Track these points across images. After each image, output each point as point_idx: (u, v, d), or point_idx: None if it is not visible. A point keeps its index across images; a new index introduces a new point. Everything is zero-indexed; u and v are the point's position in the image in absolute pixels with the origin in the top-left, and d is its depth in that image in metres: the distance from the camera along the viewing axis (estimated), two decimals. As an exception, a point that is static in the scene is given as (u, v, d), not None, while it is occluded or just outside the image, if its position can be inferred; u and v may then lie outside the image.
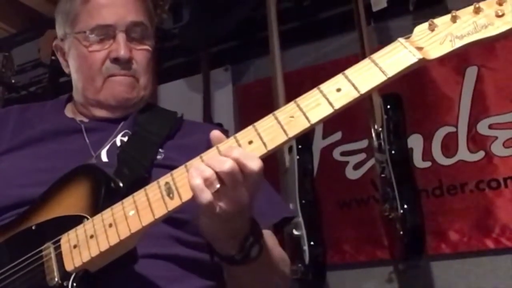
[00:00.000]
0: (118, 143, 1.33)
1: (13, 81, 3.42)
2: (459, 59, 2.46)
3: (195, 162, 1.00)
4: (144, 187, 1.05)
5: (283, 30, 2.67)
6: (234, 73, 3.07)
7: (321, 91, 0.99)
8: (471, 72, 2.44)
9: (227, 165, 0.95)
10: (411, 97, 2.43)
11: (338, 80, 0.99)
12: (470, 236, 2.35)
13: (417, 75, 2.51)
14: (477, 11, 0.95)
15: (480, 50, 2.41)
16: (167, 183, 1.01)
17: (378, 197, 2.40)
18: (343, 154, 2.66)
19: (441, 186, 2.43)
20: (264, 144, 0.98)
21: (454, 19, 0.96)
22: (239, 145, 0.99)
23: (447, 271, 2.38)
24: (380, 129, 2.30)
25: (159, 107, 1.54)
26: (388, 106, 2.29)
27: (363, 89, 0.97)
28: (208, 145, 1.24)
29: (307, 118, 0.98)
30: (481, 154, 2.37)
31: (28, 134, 1.37)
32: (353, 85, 0.97)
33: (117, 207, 1.05)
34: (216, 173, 0.96)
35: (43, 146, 1.34)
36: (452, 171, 2.41)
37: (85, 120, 1.42)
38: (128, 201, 1.04)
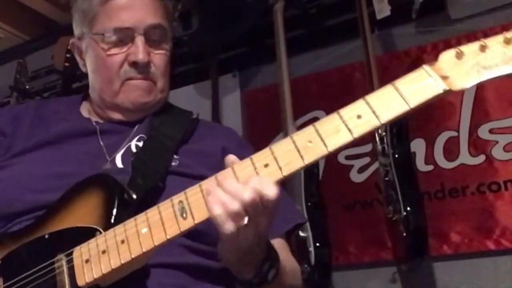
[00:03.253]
0: (133, 148, 1.30)
1: (27, 87, 3.47)
2: (460, 65, 2.51)
3: (211, 186, 0.98)
4: (158, 203, 1.03)
5: (290, 38, 2.69)
6: (242, 79, 3.09)
7: (341, 117, 0.94)
8: (472, 78, 2.48)
9: (247, 195, 0.93)
10: (414, 103, 2.48)
11: (358, 106, 0.94)
12: (471, 238, 2.36)
13: (420, 81, 2.58)
14: (508, 41, 0.90)
15: (481, 57, 2.47)
16: (180, 201, 0.99)
17: (382, 200, 2.40)
18: (348, 158, 2.68)
19: (443, 189, 2.45)
20: (280, 168, 0.95)
21: (482, 49, 0.91)
22: (255, 168, 0.96)
23: (449, 272, 2.39)
24: (384, 133, 2.31)
25: (175, 107, 1.49)
26: (392, 111, 2.34)
27: (384, 118, 0.92)
28: (223, 152, 1.25)
29: (325, 144, 0.94)
30: (482, 158, 2.38)
31: (43, 135, 1.34)
32: (374, 112, 0.93)
33: (129, 223, 1.03)
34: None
35: (58, 148, 1.31)
36: (454, 175, 2.42)
37: (100, 121, 1.39)
38: (141, 217, 1.03)
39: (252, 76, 3.09)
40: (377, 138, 2.36)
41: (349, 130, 0.93)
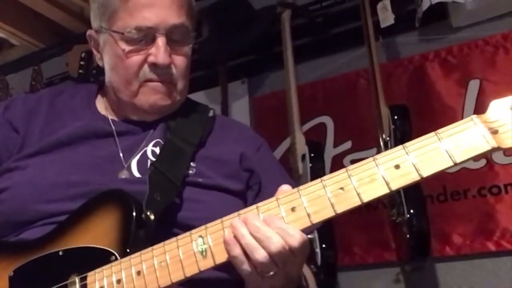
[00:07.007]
0: (149, 154, 1.27)
1: (42, 93, 3.57)
2: (462, 72, 2.53)
3: (236, 225, 0.94)
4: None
5: (297, 45, 2.75)
6: (251, 86, 3.13)
7: (377, 164, 0.88)
8: (474, 85, 2.49)
9: (274, 244, 0.90)
10: (417, 108, 2.48)
11: (398, 155, 0.87)
12: (472, 239, 2.38)
13: (423, 87, 2.60)
14: None
15: (482, 64, 2.49)
16: (200, 236, 0.96)
17: (386, 203, 2.43)
18: (353, 162, 2.68)
19: (445, 192, 2.46)
20: (308, 215, 0.90)
21: None
22: (281, 211, 0.92)
23: (451, 272, 2.41)
24: (388, 138, 2.34)
25: (192, 104, 1.42)
26: (396, 117, 2.34)
27: (426, 173, 0.85)
28: (241, 159, 1.26)
29: (358, 195, 0.87)
30: (483, 162, 2.40)
31: (58, 134, 1.28)
32: (415, 165, 0.85)
33: (147, 253, 1.01)
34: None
35: (73, 150, 1.26)
36: (456, 178, 2.42)
37: (116, 119, 1.34)
38: (159, 249, 1.00)
39: (260, 83, 3.13)
40: (382, 143, 2.38)
41: (386, 183, 0.86)
